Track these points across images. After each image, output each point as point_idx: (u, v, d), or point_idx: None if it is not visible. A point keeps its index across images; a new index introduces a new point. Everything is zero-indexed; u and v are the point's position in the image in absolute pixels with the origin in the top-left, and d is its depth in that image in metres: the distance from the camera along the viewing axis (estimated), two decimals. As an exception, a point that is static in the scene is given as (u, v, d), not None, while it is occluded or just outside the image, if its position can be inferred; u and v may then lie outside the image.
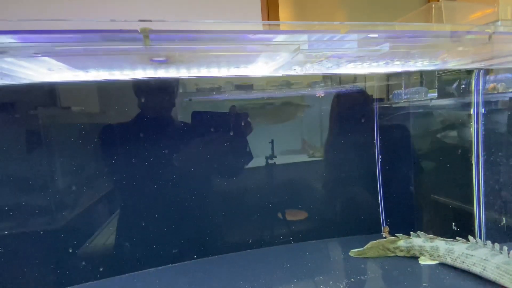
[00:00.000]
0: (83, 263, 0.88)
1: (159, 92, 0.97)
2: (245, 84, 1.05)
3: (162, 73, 0.84)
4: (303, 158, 1.13)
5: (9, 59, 0.50)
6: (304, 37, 0.48)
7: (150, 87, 0.95)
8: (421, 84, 1.16)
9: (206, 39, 0.44)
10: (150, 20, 0.42)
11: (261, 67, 0.73)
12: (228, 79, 1.03)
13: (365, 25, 0.49)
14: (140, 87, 0.94)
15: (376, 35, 0.51)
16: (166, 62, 0.60)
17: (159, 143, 0.94)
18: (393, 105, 1.17)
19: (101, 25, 0.40)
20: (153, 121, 0.94)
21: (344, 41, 0.49)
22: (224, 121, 1.00)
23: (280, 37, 0.47)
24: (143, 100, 0.93)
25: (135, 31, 0.41)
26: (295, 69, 0.71)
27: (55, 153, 0.86)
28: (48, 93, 0.85)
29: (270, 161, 1.08)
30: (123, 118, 0.92)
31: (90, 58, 0.57)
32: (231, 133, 1.00)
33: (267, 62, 0.69)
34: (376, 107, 1.10)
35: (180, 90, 0.99)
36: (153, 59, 0.56)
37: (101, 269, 0.90)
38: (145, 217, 0.95)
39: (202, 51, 0.49)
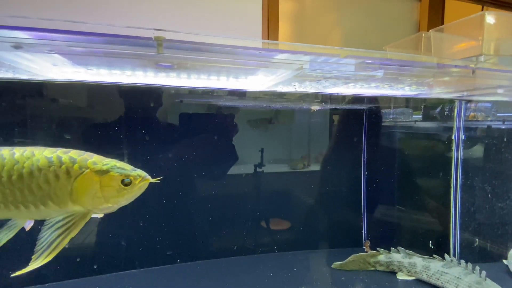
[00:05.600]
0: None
1: (150, 92, 0.97)
2: (238, 91, 1.07)
3: (162, 76, 0.85)
4: (292, 168, 1.16)
5: (19, 53, 0.50)
6: (307, 57, 0.51)
7: (141, 87, 0.95)
8: (407, 105, 1.23)
9: (216, 51, 0.46)
10: (164, 30, 0.44)
11: (261, 80, 0.76)
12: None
13: (363, 52, 0.53)
14: (129, 86, 0.94)
15: (371, 61, 0.55)
16: (171, 67, 0.62)
17: (145, 144, 0.94)
18: (379, 124, 1.22)
19: (117, 30, 0.42)
20: (142, 121, 0.95)
21: (343, 65, 0.53)
22: (211, 123, 1.02)
23: (284, 56, 0.50)
24: (133, 100, 0.94)
25: (150, 38, 0.43)
26: (294, 86, 0.75)
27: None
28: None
29: (258, 169, 1.10)
30: (110, 117, 0.93)
31: (97, 57, 0.58)
32: (218, 134, 1.02)
33: (268, 76, 0.72)
34: (365, 126, 1.15)
35: (172, 91, 1.01)
36: (160, 63, 0.58)
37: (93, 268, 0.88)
38: (127, 220, 0.94)
39: (211, 62, 0.52)
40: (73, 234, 0.46)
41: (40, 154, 0.45)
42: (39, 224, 0.49)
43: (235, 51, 0.47)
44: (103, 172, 0.46)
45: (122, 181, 0.47)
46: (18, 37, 0.40)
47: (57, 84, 0.88)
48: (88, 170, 0.46)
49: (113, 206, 0.49)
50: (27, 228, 0.50)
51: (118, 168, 0.47)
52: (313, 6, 1.53)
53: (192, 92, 1.03)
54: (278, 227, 1.13)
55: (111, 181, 0.46)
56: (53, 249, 0.44)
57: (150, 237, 0.96)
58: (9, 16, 0.39)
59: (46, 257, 0.44)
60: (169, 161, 0.98)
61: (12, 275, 0.46)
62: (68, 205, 0.46)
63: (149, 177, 0.50)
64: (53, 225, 0.46)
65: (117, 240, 0.94)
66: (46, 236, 0.45)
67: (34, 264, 0.44)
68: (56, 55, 0.49)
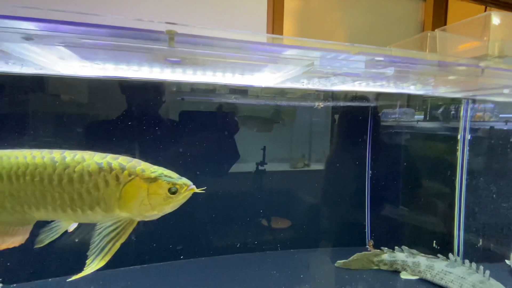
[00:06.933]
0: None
1: (152, 89, 0.97)
2: (240, 89, 1.07)
3: (168, 72, 0.85)
4: (293, 167, 1.16)
5: (25, 45, 0.50)
6: (317, 53, 0.51)
7: (143, 84, 0.95)
8: (412, 104, 1.22)
9: (228, 46, 0.46)
10: (176, 23, 0.44)
11: (267, 77, 0.76)
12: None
13: (374, 48, 0.52)
14: (133, 83, 0.94)
15: (382, 59, 0.55)
16: (180, 63, 0.61)
17: (147, 141, 0.94)
18: (383, 123, 1.22)
19: (129, 23, 0.42)
20: (144, 118, 0.95)
21: (354, 61, 0.53)
22: (212, 121, 1.02)
23: (296, 51, 0.50)
24: (134, 96, 0.94)
25: (162, 32, 0.43)
26: (303, 82, 0.74)
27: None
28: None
29: (260, 168, 1.10)
30: (112, 113, 0.93)
31: (105, 51, 0.58)
32: (219, 132, 1.02)
33: (275, 72, 0.71)
34: (370, 124, 1.15)
35: (174, 89, 1.00)
36: (169, 59, 0.57)
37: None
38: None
39: (222, 57, 0.51)
40: (122, 239, 0.47)
41: (91, 159, 0.45)
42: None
43: (248, 47, 0.47)
44: (151, 180, 0.46)
45: (169, 190, 0.47)
46: (29, 28, 0.40)
47: (60, 79, 0.88)
48: (137, 177, 0.46)
49: (158, 213, 0.49)
50: (70, 229, 0.50)
51: (166, 176, 0.48)
52: (318, 4, 1.52)
53: (194, 90, 1.03)
54: (278, 225, 1.13)
55: (158, 189, 0.47)
56: (105, 254, 0.45)
57: (153, 233, 0.96)
58: (20, 6, 0.39)
59: (99, 261, 0.45)
60: (170, 158, 0.98)
61: (68, 280, 0.47)
62: (114, 211, 0.46)
63: (194, 186, 0.50)
64: (103, 230, 0.46)
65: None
66: (97, 241, 0.45)
67: (89, 269, 0.45)
68: (64, 49, 0.49)
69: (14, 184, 0.44)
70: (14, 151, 0.46)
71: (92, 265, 0.44)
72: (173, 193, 0.47)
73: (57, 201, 0.44)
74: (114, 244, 0.45)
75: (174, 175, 0.49)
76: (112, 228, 0.46)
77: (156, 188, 0.46)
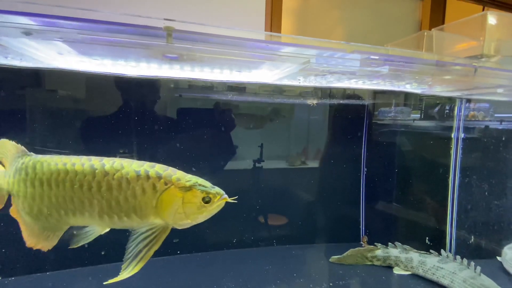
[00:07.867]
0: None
1: (149, 85, 0.97)
2: (238, 86, 1.07)
3: (166, 69, 0.85)
4: (291, 165, 1.17)
5: (24, 40, 0.50)
6: (314, 51, 0.52)
7: (140, 80, 0.95)
8: (407, 103, 1.23)
9: (226, 43, 0.47)
10: (174, 20, 0.44)
11: (264, 74, 0.76)
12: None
13: (369, 47, 0.53)
14: (131, 79, 0.94)
15: (376, 57, 0.56)
16: (177, 59, 0.62)
17: (144, 137, 0.95)
18: (379, 122, 1.23)
19: (127, 19, 0.42)
20: (141, 115, 0.95)
21: (349, 60, 0.54)
22: (209, 118, 1.03)
23: (291, 49, 0.51)
24: (131, 93, 0.94)
25: (160, 28, 0.43)
26: (299, 80, 0.75)
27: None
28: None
29: (258, 165, 1.10)
30: (108, 110, 0.93)
31: (103, 47, 0.58)
32: (215, 129, 1.03)
33: (272, 70, 0.72)
34: (366, 123, 1.16)
35: (172, 86, 1.00)
36: (166, 55, 0.58)
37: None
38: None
39: (220, 54, 0.52)
40: (156, 246, 0.48)
41: (129, 167, 0.46)
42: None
43: (245, 44, 0.48)
44: (186, 189, 0.47)
45: (203, 199, 0.48)
46: (28, 23, 0.40)
47: (57, 74, 0.88)
48: (172, 186, 0.47)
49: (191, 222, 0.49)
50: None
51: (200, 185, 0.48)
52: (316, 3, 1.53)
53: (192, 86, 1.04)
54: (275, 222, 1.14)
55: (193, 198, 0.47)
56: (140, 260, 0.46)
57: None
58: (19, 1, 0.39)
59: (134, 267, 0.46)
60: (167, 155, 0.98)
61: (105, 283, 0.48)
62: (150, 218, 0.47)
63: (226, 196, 0.51)
64: (138, 237, 0.47)
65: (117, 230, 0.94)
66: (132, 247, 0.47)
67: (125, 274, 0.46)
68: (62, 44, 0.49)
69: (53, 190, 0.45)
70: (54, 157, 0.47)
71: (128, 270, 0.45)
72: (207, 202, 0.48)
73: (95, 207, 0.46)
74: (148, 250, 0.46)
75: (207, 184, 0.50)
76: (146, 234, 0.47)
77: (191, 197, 0.47)
